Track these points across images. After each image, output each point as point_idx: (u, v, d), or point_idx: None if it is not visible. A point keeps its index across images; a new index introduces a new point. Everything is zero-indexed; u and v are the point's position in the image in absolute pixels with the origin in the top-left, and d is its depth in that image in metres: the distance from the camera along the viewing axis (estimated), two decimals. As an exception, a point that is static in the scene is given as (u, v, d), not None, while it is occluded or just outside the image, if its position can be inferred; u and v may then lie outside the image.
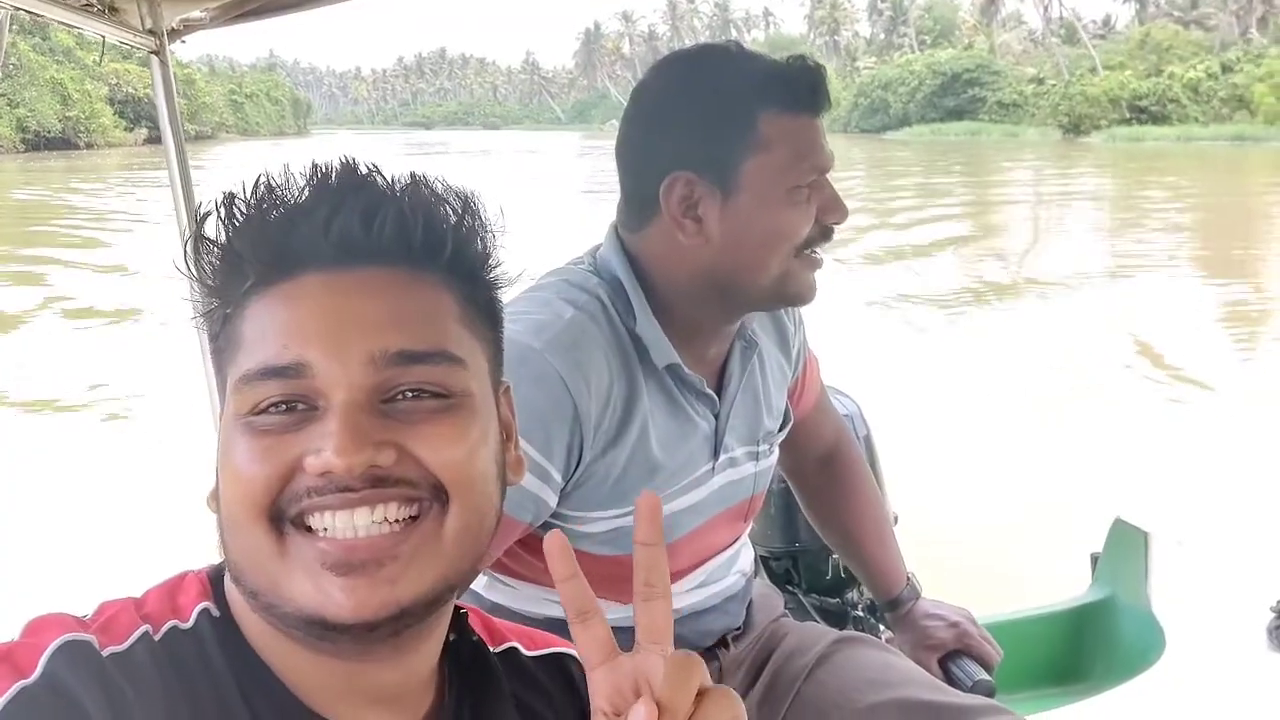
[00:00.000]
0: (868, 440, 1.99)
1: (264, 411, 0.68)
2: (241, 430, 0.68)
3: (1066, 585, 2.14)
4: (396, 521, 0.68)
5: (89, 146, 57.05)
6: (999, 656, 1.58)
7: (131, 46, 1.92)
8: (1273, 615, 1.87)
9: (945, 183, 30.29)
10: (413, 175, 0.72)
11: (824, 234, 1.31)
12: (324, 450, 0.66)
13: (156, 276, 13.42)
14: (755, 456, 1.44)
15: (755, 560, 2.00)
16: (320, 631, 0.68)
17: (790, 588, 1.98)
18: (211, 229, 0.71)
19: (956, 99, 71.66)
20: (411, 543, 0.68)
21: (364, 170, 0.71)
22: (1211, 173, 32.59)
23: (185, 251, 0.72)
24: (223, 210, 0.70)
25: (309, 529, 0.67)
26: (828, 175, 1.31)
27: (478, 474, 0.71)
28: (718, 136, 1.26)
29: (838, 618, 1.92)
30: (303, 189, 0.70)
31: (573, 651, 0.85)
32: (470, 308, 0.74)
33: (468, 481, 0.70)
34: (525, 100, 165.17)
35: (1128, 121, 58.03)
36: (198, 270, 0.72)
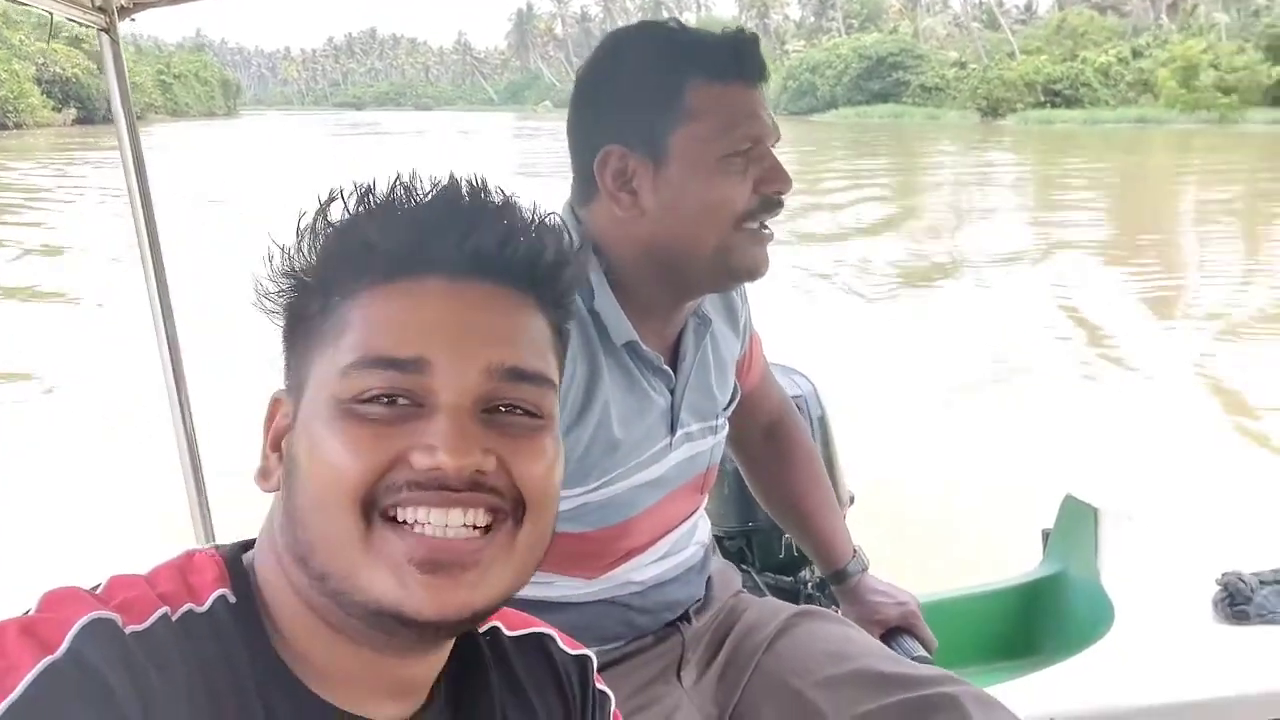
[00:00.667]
0: (822, 421, 1.99)
1: (368, 401, 0.69)
2: (342, 415, 0.69)
3: (1017, 560, 2.18)
4: (479, 527, 0.70)
5: (17, 126, 55.00)
6: (935, 645, 1.60)
7: (81, 24, 1.87)
8: (1218, 588, 1.90)
9: (872, 166, 30.88)
10: (535, 205, 0.76)
11: (765, 205, 1.28)
12: (436, 448, 0.68)
13: (98, 257, 13.09)
14: (712, 430, 1.45)
15: (710, 539, 2.03)
16: (391, 625, 0.69)
17: (744, 566, 1.97)
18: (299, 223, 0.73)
19: (881, 82, 72.49)
20: (491, 550, 0.71)
21: (499, 194, 0.74)
22: (1111, 152, 34.32)
23: (299, 229, 0.74)
24: (352, 200, 0.73)
25: (397, 521, 0.68)
26: (768, 145, 1.28)
27: (552, 493, 0.75)
28: (646, 108, 1.25)
29: (790, 595, 1.92)
30: (429, 195, 0.73)
31: (550, 631, 0.89)
32: (557, 337, 0.78)
33: (545, 499, 0.74)
34: (458, 81, 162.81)
35: (1042, 105, 59.49)
36: (309, 249, 0.73)
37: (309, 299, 0.74)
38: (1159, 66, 55.74)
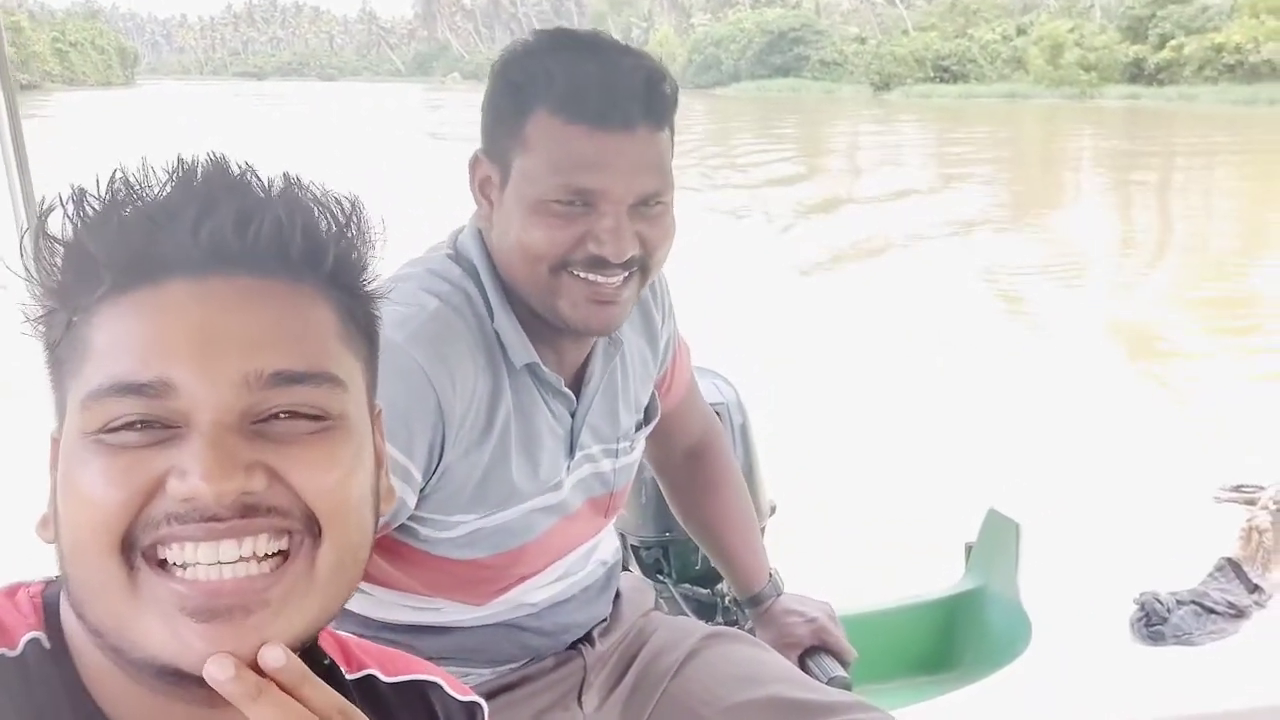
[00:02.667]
0: (744, 428, 1.94)
1: (117, 429, 0.60)
2: (90, 448, 0.60)
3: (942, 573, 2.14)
4: (266, 557, 0.60)
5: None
6: (854, 655, 1.55)
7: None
8: (1135, 607, 1.87)
9: (781, 132, 31.46)
10: (287, 177, 0.64)
11: (591, 262, 1.14)
12: (189, 474, 0.58)
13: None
14: (614, 454, 1.36)
15: (626, 549, 1.94)
16: (174, 680, 0.60)
17: (660, 577, 1.93)
18: (56, 223, 0.61)
19: (783, 56, 72.88)
20: (283, 585, 0.61)
21: (236, 170, 0.63)
22: (990, 123, 36.87)
23: (22, 248, 0.62)
24: (70, 206, 0.61)
25: (163, 563, 0.59)
26: (614, 200, 1.13)
27: (353, 503, 0.64)
28: (497, 124, 1.18)
29: (708, 608, 1.88)
30: (164, 185, 0.62)
31: (433, 678, 0.79)
32: (350, 324, 0.67)
33: (342, 511, 0.63)
34: (363, 51, 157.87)
35: (932, 80, 61.35)
36: (37, 269, 0.62)
37: (52, 324, 0.63)
38: (1031, 44, 57.99)
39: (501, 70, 1.19)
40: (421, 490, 1.16)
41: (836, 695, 1.34)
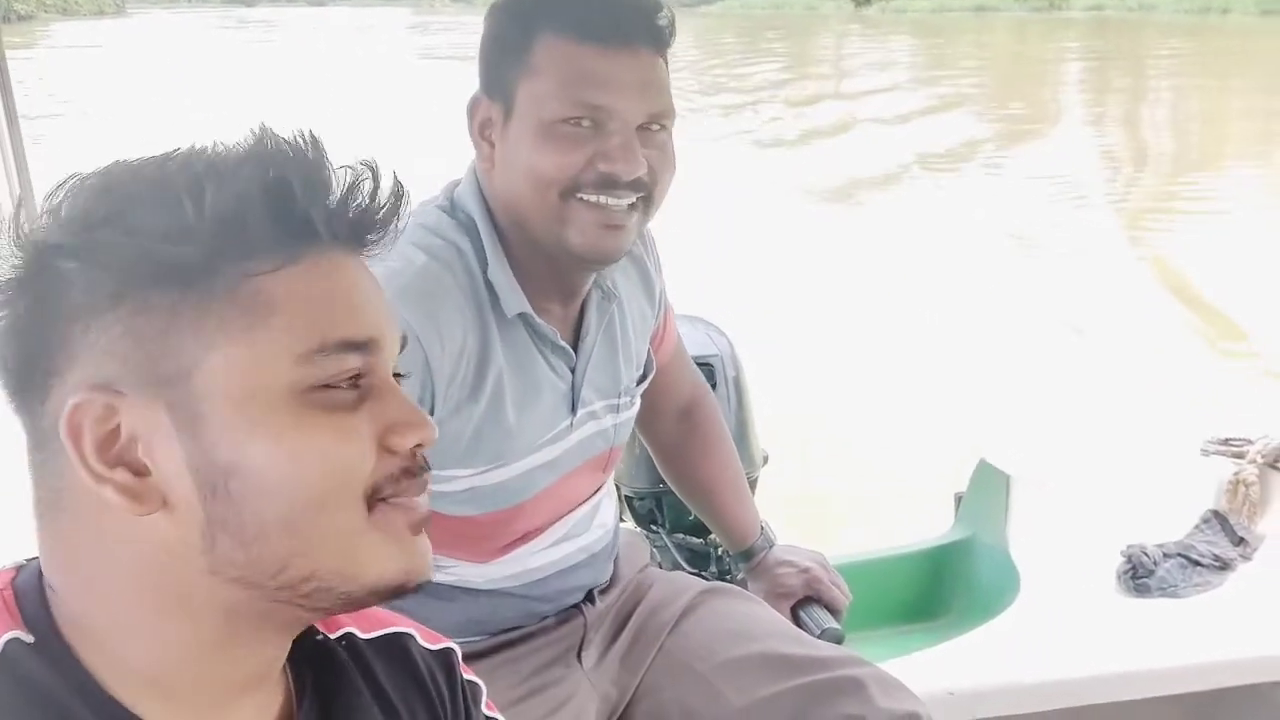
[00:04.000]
0: (737, 380, 1.88)
1: (336, 387, 0.62)
2: (317, 405, 0.61)
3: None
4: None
5: None
6: (848, 600, 1.53)
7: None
8: (1122, 559, 1.84)
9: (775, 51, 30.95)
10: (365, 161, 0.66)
11: (602, 181, 1.12)
12: (412, 428, 0.64)
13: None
14: (615, 409, 1.33)
15: (620, 500, 1.90)
16: (389, 597, 0.66)
17: (654, 528, 1.89)
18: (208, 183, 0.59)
19: None
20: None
21: (319, 145, 0.63)
22: (967, 37, 37.86)
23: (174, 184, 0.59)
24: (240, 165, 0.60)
25: (387, 500, 0.64)
26: (624, 119, 1.11)
27: None
28: (501, 56, 1.15)
29: (701, 558, 1.84)
30: (305, 153, 0.62)
31: (407, 629, 0.81)
32: None
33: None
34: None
35: None
36: (192, 212, 0.59)
37: (185, 270, 0.59)
38: None
39: (504, 5, 1.16)
40: None
41: (829, 650, 1.33)
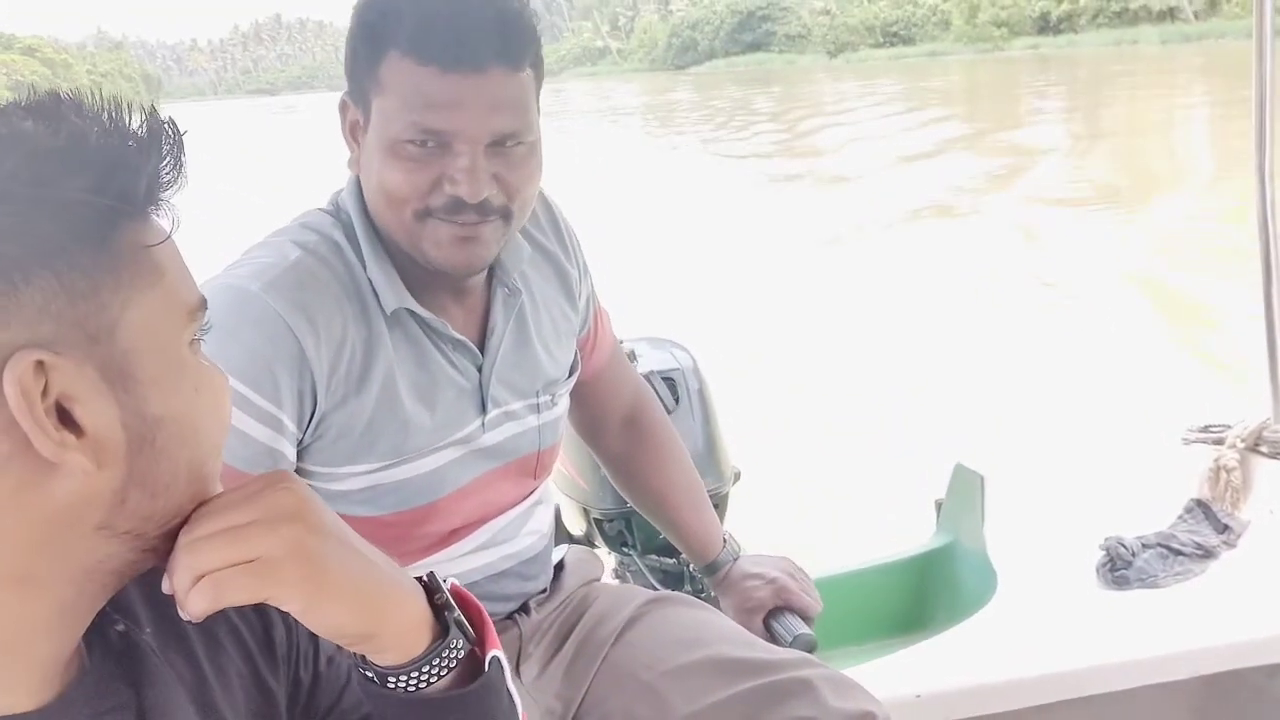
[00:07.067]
0: (702, 394, 1.76)
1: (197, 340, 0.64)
2: (197, 357, 0.62)
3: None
4: None
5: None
6: (819, 608, 1.42)
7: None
8: (1102, 553, 1.71)
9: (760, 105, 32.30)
10: None
11: (450, 206, 1.06)
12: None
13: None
14: (536, 409, 1.24)
15: (589, 523, 1.79)
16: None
17: (625, 549, 1.77)
18: None
19: (753, 33, 73.83)
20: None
21: None
22: (910, 78, 41.21)
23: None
24: None
25: None
26: (469, 140, 1.04)
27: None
28: (355, 65, 1.09)
29: (674, 578, 1.71)
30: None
31: None
32: None
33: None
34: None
35: (882, 45, 62.28)
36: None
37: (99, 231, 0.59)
38: (951, 7, 59.80)
39: (359, 10, 1.09)
40: (300, 441, 1.08)
41: (781, 653, 1.23)
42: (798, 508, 3.71)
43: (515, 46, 1.06)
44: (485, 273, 1.18)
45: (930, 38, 61.51)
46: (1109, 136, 17.09)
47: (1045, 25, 55.01)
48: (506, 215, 1.10)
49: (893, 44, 62.08)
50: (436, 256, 1.09)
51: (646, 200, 11.82)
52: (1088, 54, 46.01)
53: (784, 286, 7.65)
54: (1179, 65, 33.44)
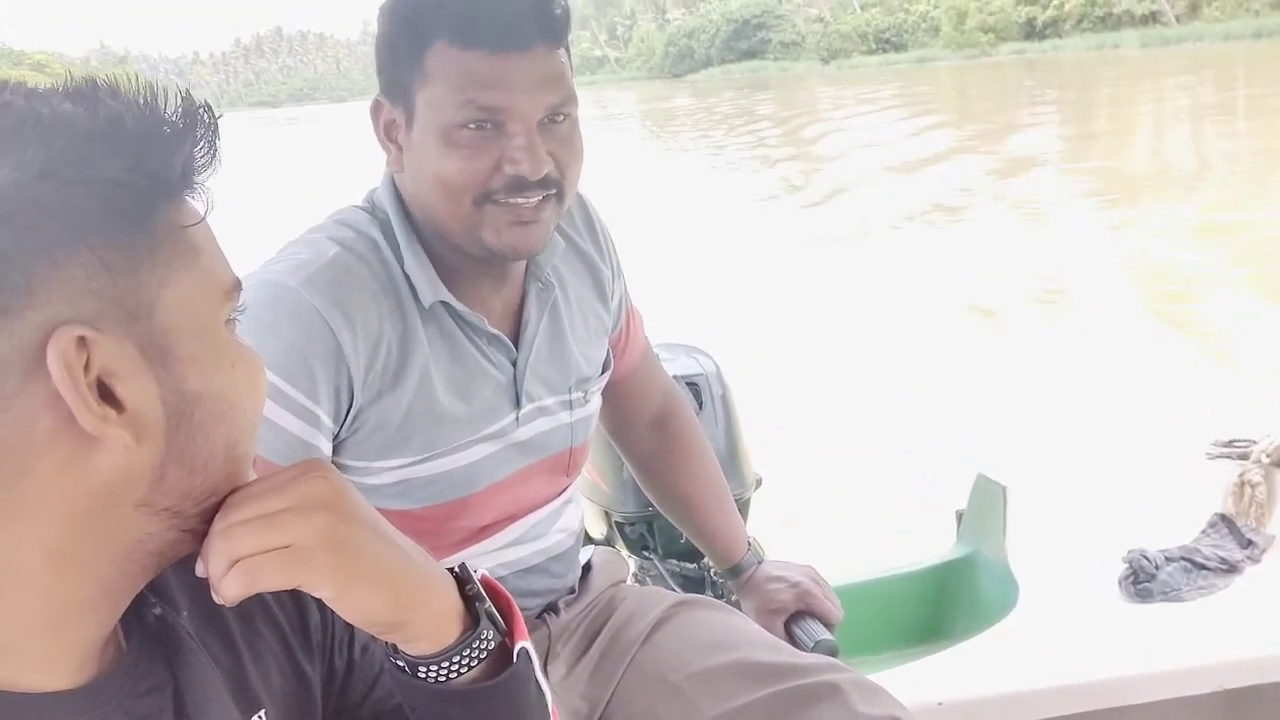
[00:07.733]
0: (725, 400, 1.76)
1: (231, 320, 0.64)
2: (233, 337, 0.63)
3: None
4: None
5: None
6: (840, 614, 1.41)
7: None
8: (1124, 566, 1.68)
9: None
10: None
11: (511, 185, 1.06)
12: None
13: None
14: (569, 405, 1.24)
15: (610, 526, 1.78)
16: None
17: (646, 553, 1.76)
18: None
19: (749, 41, 73.90)
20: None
21: None
22: (903, 82, 41.37)
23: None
24: None
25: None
26: (522, 119, 1.05)
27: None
28: (395, 61, 1.09)
29: (695, 583, 1.71)
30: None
31: None
32: None
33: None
34: (368, 71, 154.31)
35: (874, 52, 62.49)
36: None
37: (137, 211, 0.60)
38: (940, 14, 59.97)
39: (392, 7, 1.10)
40: (336, 436, 1.08)
41: (807, 658, 1.22)
42: (806, 511, 3.66)
43: (555, 24, 1.08)
44: (522, 265, 1.18)
45: (920, 44, 61.74)
46: (1101, 137, 17.53)
47: (1031, 31, 55.33)
48: (560, 194, 1.10)
49: (884, 50, 62.26)
50: (495, 243, 1.08)
51: (646, 200, 11.82)
52: (1072, 58, 46.44)
53: (783, 287, 7.63)
54: (1161, 68, 34.31)
